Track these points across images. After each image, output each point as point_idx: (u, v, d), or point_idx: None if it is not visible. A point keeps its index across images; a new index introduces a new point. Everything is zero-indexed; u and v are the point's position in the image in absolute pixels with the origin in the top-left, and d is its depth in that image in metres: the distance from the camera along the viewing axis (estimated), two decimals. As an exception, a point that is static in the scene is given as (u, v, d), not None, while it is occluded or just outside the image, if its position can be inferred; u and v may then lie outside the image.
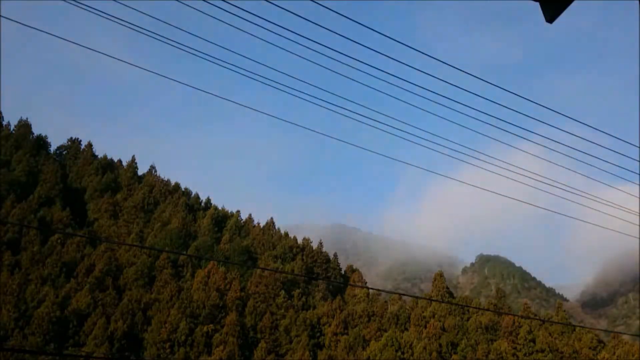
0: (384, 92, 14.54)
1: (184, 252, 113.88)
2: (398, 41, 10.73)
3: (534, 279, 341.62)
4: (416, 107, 15.36)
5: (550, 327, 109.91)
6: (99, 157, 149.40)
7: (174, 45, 12.55)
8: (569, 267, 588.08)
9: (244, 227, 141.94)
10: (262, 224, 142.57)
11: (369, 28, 10.63)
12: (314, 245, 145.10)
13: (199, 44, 13.19)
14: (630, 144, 15.66)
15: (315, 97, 14.48)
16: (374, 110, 15.57)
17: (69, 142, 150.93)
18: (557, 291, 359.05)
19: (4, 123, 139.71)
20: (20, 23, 11.73)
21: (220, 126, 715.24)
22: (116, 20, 11.51)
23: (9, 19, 11.83)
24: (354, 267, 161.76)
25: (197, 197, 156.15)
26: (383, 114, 15.65)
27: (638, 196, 18.03)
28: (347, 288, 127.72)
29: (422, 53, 11.28)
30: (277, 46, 12.52)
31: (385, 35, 10.77)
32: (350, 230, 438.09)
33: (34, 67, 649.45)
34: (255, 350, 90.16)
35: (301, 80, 14.11)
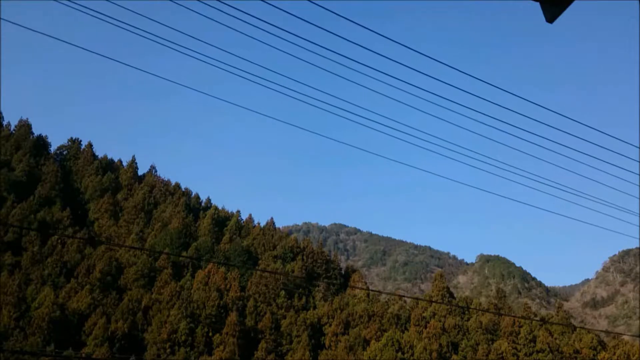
0: (383, 93, 14.55)
1: (184, 254, 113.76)
2: (396, 41, 10.74)
3: (534, 279, 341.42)
4: (414, 107, 15.37)
5: (551, 327, 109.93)
6: (99, 157, 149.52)
7: (170, 47, 12.56)
8: (569, 267, 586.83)
9: (244, 227, 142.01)
10: (262, 224, 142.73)
11: (369, 29, 10.64)
12: (314, 245, 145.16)
13: (203, 49, 13.20)
14: (630, 144, 15.66)
15: (319, 100, 14.49)
16: (372, 112, 15.58)
17: (69, 142, 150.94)
18: (557, 291, 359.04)
19: (4, 123, 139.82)
20: (20, 25, 11.75)
21: (219, 126, 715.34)
22: (115, 22, 11.53)
23: (9, 21, 11.84)
24: (354, 268, 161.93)
25: (197, 197, 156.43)
26: (381, 115, 15.66)
27: (638, 196, 18.03)
28: (347, 288, 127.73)
29: (420, 53, 11.28)
30: (276, 48, 12.53)
31: (384, 36, 10.77)
32: (350, 230, 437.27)
33: (34, 67, 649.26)
34: (255, 350, 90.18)
35: (305, 85, 14.11)
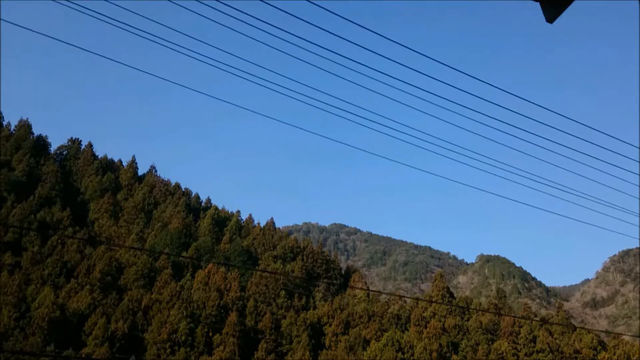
0: (383, 93, 14.54)
1: (184, 255, 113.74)
2: (395, 42, 10.73)
3: (534, 279, 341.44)
4: (414, 107, 15.36)
5: (551, 328, 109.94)
6: (99, 157, 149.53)
7: (170, 47, 12.55)
8: (569, 267, 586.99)
9: (244, 227, 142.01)
10: (262, 224, 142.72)
11: (368, 29, 10.62)
12: (314, 245, 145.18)
13: (203, 49, 13.20)
14: (630, 144, 15.66)
15: (319, 100, 14.49)
16: (372, 112, 15.58)
17: (69, 142, 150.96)
18: (557, 291, 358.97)
19: (4, 123, 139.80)
20: (19, 26, 11.76)
21: (219, 126, 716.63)
22: (114, 22, 11.53)
23: (9, 21, 11.84)
24: (354, 268, 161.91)
25: (197, 197, 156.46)
26: (381, 115, 15.66)
27: (637, 196, 18.02)
28: (347, 288, 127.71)
29: (419, 53, 11.27)
30: (276, 48, 12.52)
31: (384, 36, 10.76)
32: (350, 230, 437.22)
33: (34, 67, 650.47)
34: (255, 350, 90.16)
35: (305, 85, 14.11)
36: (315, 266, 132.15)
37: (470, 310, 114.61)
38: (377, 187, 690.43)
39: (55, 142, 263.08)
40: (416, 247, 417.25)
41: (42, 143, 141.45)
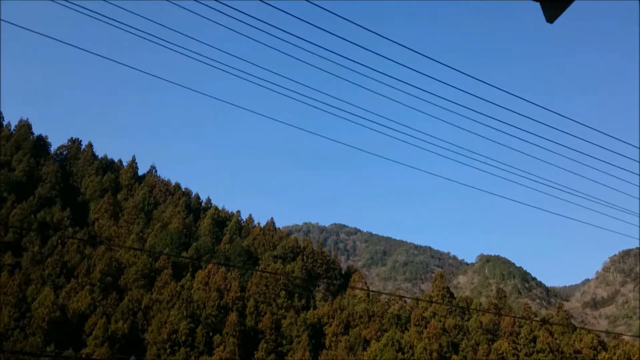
0: (383, 94, 14.53)
1: (184, 255, 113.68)
2: (397, 42, 10.71)
3: (534, 279, 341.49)
4: (414, 108, 15.35)
5: (551, 328, 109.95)
6: (99, 157, 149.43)
7: (170, 47, 12.54)
8: (569, 267, 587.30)
9: (244, 227, 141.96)
10: (262, 224, 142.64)
11: (368, 30, 10.61)
12: (314, 245, 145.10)
13: (203, 49, 13.19)
14: (630, 144, 15.64)
15: (319, 100, 14.47)
16: (372, 113, 15.57)
17: (69, 142, 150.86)
18: (557, 291, 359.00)
19: (4, 123, 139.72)
20: (19, 26, 11.74)
21: (219, 126, 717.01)
22: (114, 22, 11.52)
23: (9, 22, 11.84)
24: (354, 268, 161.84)
25: (198, 197, 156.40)
26: (381, 116, 15.64)
27: (637, 196, 18.00)
28: (347, 288, 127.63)
29: (419, 54, 11.26)
30: (276, 49, 12.51)
31: (386, 37, 10.75)
32: (350, 230, 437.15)
33: (34, 67, 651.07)
34: (255, 350, 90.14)
35: (306, 85, 14.09)
36: (315, 266, 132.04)
37: (470, 310, 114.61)
38: (377, 187, 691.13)
39: (55, 142, 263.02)
40: (416, 247, 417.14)
41: (42, 143, 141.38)
